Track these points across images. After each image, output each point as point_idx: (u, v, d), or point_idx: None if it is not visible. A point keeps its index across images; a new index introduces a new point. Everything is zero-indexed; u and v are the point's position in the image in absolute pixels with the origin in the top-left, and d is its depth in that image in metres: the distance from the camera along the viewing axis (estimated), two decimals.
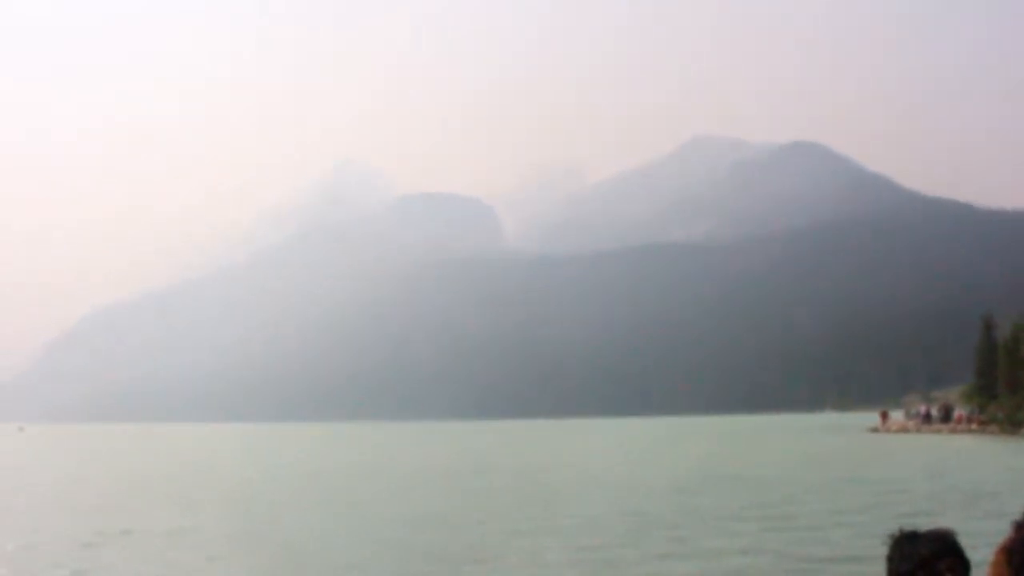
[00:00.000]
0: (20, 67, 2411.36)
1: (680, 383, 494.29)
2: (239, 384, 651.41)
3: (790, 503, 30.93)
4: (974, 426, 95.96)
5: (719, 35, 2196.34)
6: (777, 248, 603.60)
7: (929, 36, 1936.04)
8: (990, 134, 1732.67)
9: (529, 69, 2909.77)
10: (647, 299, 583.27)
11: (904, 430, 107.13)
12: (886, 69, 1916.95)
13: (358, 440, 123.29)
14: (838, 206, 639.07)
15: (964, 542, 3.45)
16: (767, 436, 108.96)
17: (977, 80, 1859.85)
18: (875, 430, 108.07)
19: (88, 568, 21.16)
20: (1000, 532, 3.81)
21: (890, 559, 3.65)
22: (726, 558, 20.34)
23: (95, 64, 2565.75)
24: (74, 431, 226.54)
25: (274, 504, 33.94)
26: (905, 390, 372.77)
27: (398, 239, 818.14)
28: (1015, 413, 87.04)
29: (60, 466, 64.85)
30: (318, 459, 77.37)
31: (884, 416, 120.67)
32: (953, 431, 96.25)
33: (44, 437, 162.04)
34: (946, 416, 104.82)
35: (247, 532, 26.44)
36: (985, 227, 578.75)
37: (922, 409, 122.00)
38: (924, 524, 2.95)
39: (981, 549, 4.67)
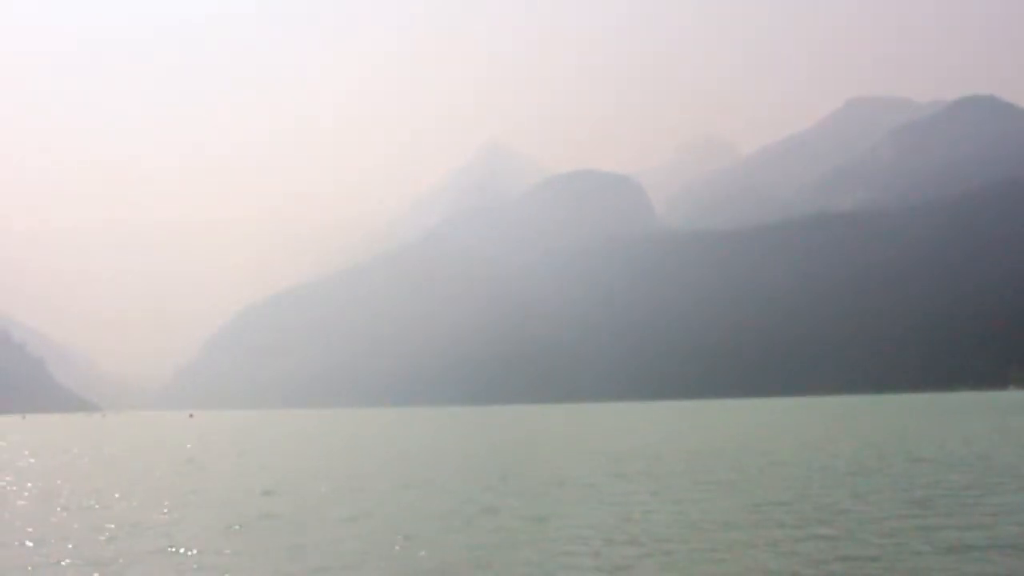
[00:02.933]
0: (183, 76, 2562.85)
1: (843, 359, 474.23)
2: (396, 369, 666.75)
3: None
4: None
5: None
6: (947, 214, 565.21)
7: None
8: None
9: (675, 44, 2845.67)
10: (810, 273, 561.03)
11: None
12: None
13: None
14: (1016, 164, 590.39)
15: None
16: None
17: None
18: None
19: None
20: None
21: None
22: None
23: (248, 66, 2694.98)
24: (240, 417, 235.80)
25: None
26: None
27: (547, 220, 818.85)
28: None
29: (242, 449, 67.52)
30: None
31: None
32: None
33: (212, 423, 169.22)
34: None
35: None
36: None
37: None
38: None
39: None
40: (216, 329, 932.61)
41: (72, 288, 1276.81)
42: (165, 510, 28.07)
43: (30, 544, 21.87)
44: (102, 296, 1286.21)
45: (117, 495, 33.28)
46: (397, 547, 20.49)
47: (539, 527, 22.97)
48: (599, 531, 22.03)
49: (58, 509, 29.30)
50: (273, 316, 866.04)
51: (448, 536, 21.96)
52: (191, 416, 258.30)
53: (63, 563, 19.36)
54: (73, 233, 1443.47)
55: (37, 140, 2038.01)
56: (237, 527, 24.04)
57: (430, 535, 22.04)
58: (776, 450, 50.98)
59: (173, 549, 20.79)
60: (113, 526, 24.86)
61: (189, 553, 20.38)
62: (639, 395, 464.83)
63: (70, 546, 21.47)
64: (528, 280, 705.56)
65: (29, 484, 38.86)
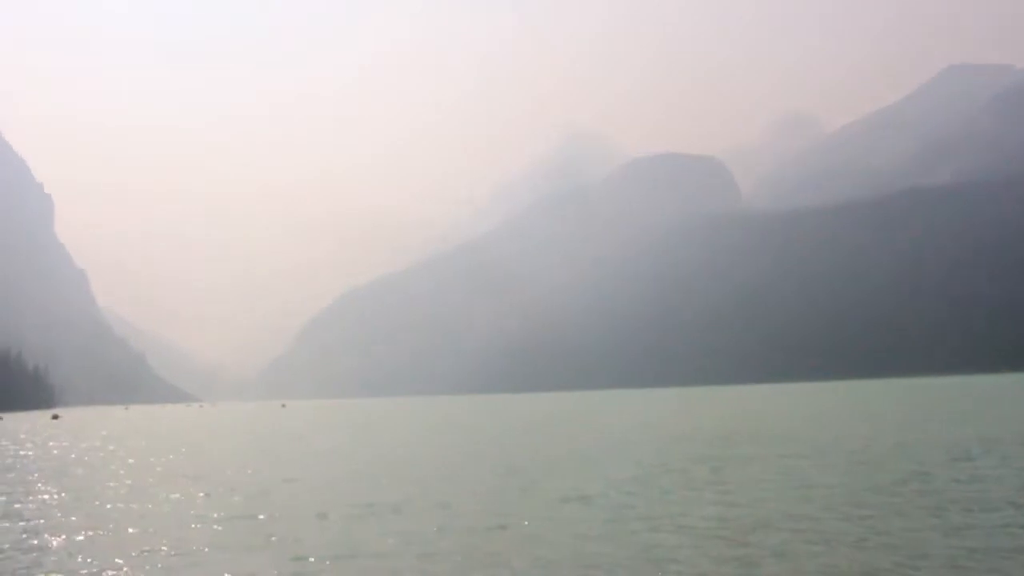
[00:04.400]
0: (277, 75, 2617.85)
1: (939, 339, 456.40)
2: (487, 357, 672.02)
3: None
4: None
5: None
6: None
7: None
8: None
9: (757, 21, 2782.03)
10: (903, 250, 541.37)
11: None
12: None
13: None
14: None
15: None
16: None
17: None
18: None
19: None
20: None
21: None
22: None
23: (337, 65, 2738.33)
24: (334, 406, 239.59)
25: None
26: None
27: (632, 204, 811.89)
28: None
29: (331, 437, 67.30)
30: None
31: None
32: None
33: (305, 412, 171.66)
34: None
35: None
36: None
37: None
38: None
39: None
40: (307, 321, 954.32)
41: (170, 284, 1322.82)
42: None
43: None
44: (198, 291, 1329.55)
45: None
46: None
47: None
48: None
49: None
50: (361, 307, 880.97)
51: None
52: (283, 406, 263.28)
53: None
54: (172, 230, 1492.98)
55: (136, 138, 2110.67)
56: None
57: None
58: (896, 431, 48.28)
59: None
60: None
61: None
62: (725, 379, 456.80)
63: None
64: (612, 265, 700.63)
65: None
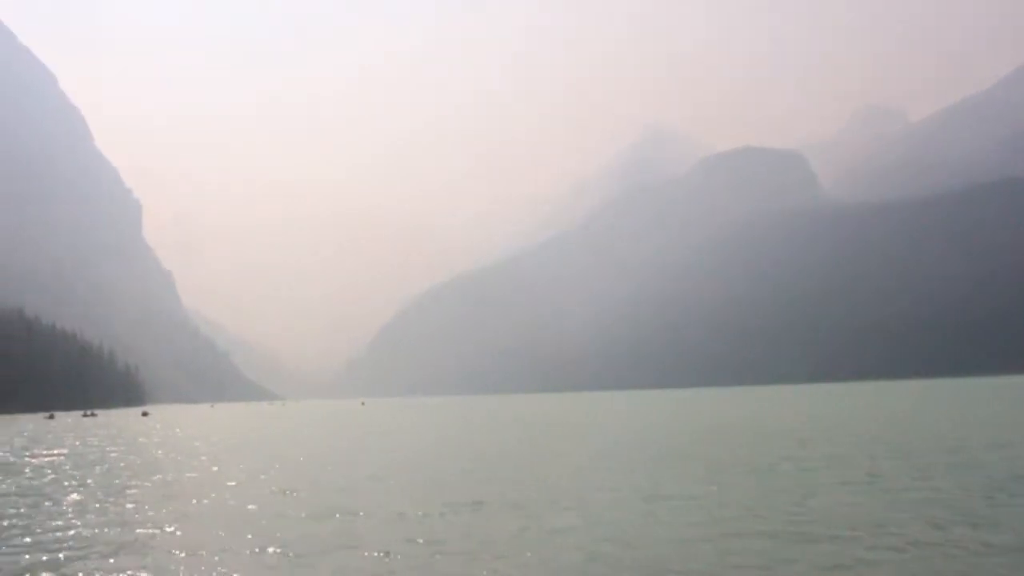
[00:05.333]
0: (357, 75, 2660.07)
1: None
2: (562, 355, 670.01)
3: None
4: None
5: None
6: None
7: None
8: None
9: (836, 11, 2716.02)
10: (1002, 242, 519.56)
11: None
12: None
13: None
14: None
15: None
16: None
17: None
18: None
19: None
20: None
21: None
22: None
23: (414, 60, 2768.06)
24: (408, 404, 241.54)
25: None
26: None
27: (710, 200, 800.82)
28: None
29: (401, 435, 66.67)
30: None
31: None
32: None
33: (384, 410, 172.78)
34: None
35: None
36: None
37: None
38: None
39: None
40: (386, 321, 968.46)
41: (253, 284, 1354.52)
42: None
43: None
44: (280, 292, 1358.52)
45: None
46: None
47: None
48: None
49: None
50: (438, 308, 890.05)
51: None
52: (363, 404, 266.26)
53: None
54: (253, 232, 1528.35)
55: (221, 141, 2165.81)
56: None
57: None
58: (990, 431, 45.93)
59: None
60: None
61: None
62: (807, 378, 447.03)
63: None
64: (690, 262, 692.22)
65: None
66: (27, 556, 17.74)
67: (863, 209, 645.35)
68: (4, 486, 31.68)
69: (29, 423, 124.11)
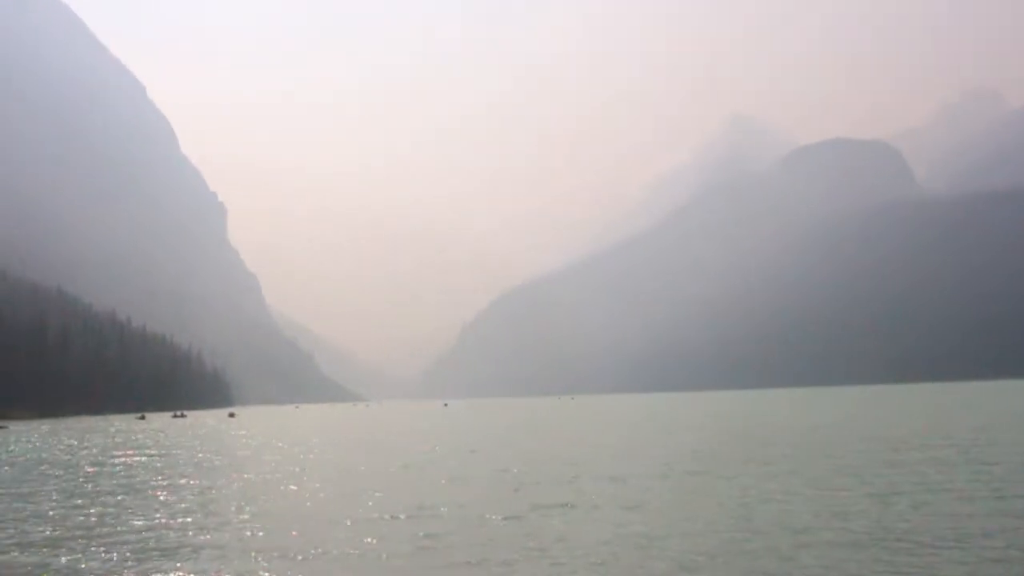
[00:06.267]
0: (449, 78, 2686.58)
1: None
2: (645, 354, 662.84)
3: None
4: None
5: None
6: None
7: None
8: None
9: None
10: None
11: None
12: None
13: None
14: None
15: None
16: None
17: None
18: None
19: None
20: None
21: None
22: None
23: (491, 66, 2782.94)
24: (494, 404, 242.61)
25: None
26: None
27: (800, 193, 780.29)
28: None
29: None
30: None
31: None
32: None
33: (467, 410, 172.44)
34: None
35: None
36: None
37: None
38: None
39: None
40: (468, 322, 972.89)
41: (336, 285, 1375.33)
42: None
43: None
44: (362, 294, 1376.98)
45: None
46: None
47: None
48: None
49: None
50: (518, 308, 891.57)
51: None
52: (445, 405, 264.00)
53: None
54: (336, 234, 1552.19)
55: (294, 139, 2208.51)
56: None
57: None
58: None
59: None
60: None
61: None
62: (907, 377, 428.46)
63: None
64: (777, 259, 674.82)
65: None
66: (115, 555, 17.56)
67: (962, 201, 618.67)
68: (97, 484, 32.62)
69: (121, 423, 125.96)
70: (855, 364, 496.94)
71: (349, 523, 21.00)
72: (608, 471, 32.07)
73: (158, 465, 41.62)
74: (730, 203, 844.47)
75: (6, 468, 41.24)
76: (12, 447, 61.80)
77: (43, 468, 40.95)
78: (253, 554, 17.35)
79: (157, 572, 15.98)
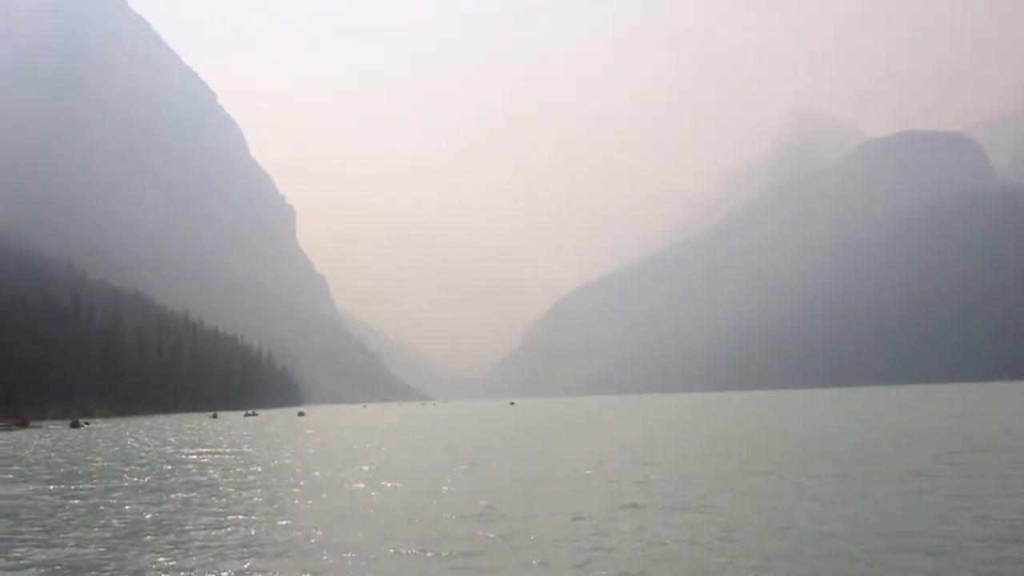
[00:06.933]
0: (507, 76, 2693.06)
1: None
2: (713, 353, 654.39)
3: None
4: None
5: None
6: None
7: None
8: None
9: None
10: None
11: None
12: None
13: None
14: None
15: None
16: None
17: None
18: None
19: None
20: None
21: None
22: None
23: (561, 63, 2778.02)
24: (560, 403, 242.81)
25: None
26: None
27: (871, 188, 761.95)
28: None
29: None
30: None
31: None
32: None
33: (533, 409, 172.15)
34: None
35: None
36: None
37: None
38: None
39: None
40: (534, 321, 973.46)
41: (403, 286, 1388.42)
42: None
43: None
44: (430, 292, 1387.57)
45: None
46: None
47: None
48: None
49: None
50: (584, 307, 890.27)
51: None
52: (512, 403, 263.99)
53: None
54: (400, 235, 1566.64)
55: (361, 139, 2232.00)
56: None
57: None
58: None
59: None
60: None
61: None
62: (988, 375, 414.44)
63: None
64: (850, 256, 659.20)
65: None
66: (186, 553, 17.60)
67: None
68: (172, 481, 33.12)
69: (195, 422, 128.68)
70: (935, 361, 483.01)
71: (418, 522, 20.99)
72: (679, 471, 31.64)
73: (230, 463, 42.24)
74: (799, 199, 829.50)
75: (89, 465, 42.28)
76: (94, 444, 63.40)
77: (122, 465, 41.90)
78: (323, 553, 17.28)
79: (227, 570, 16.01)
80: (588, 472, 32.62)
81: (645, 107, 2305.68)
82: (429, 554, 17.12)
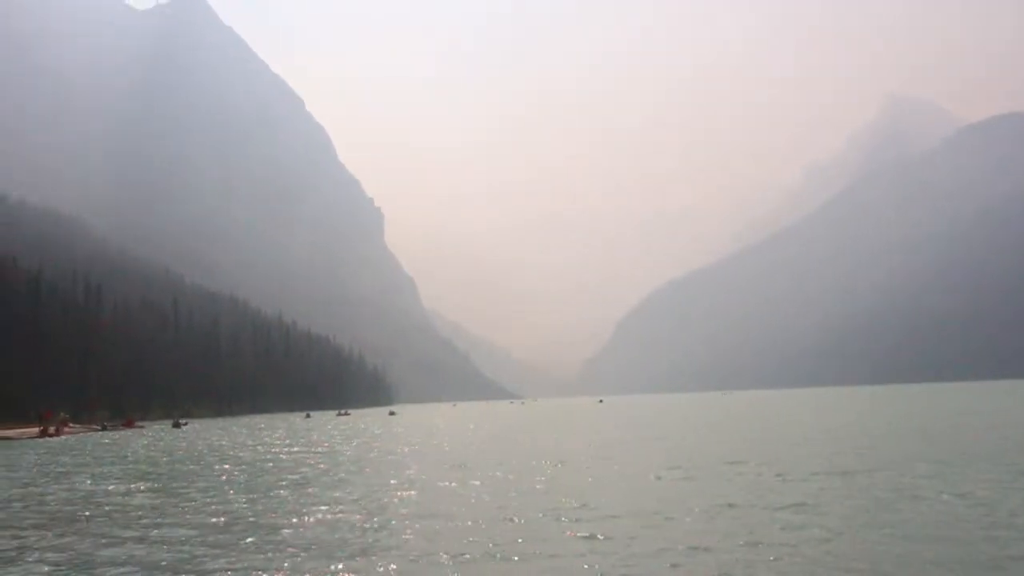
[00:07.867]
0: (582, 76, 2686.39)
1: None
2: (806, 347, 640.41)
3: None
4: None
5: None
6: None
7: None
8: None
9: None
10: None
11: None
12: None
13: None
14: None
15: None
16: None
17: None
18: None
19: None
20: None
21: None
22: None
23: (632, 52, 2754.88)
24: (649, 400, 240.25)
25: None
26: None
27: (969, 174, 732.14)
28: None
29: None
30: None
31: None
32: None
33: (622, 406, 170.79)
34: None
35: None
36: None
37: None
38: None
39: None
40: (620, 319, 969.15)
41: (491, 285, 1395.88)
42: None
43: None
44: (518, 291, 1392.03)
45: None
46: None
47: None
48: None
49: None
50: (673, 303, 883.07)
51: None
52: (600, 401, 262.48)
53: None
54: (486, 235, 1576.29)
55: (443, 137, 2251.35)
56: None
57: None
58: None
59: None
60: None
61: None
62: None
63: None
64: (949, 245, 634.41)
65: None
66: (280, 550, 17.65)
67: None
68: (268, 479, 33.56)
69: (289, 421, 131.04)
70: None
71: (515, 520, 20.81)
72: (773, 468, 30.66)
73: (324, 461, 42.78)
74: (893, 187, 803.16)
75: (190, 464, 43.41)
76: (196, 443, 65.60)
77: (222, 463, 43.05)
78: (415, 553, 17.16)
79: (321, 571, 15.94)
80: (677, 468, 32.00)
81: (735, 106, 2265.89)
82: (527, 553, 16.87)
